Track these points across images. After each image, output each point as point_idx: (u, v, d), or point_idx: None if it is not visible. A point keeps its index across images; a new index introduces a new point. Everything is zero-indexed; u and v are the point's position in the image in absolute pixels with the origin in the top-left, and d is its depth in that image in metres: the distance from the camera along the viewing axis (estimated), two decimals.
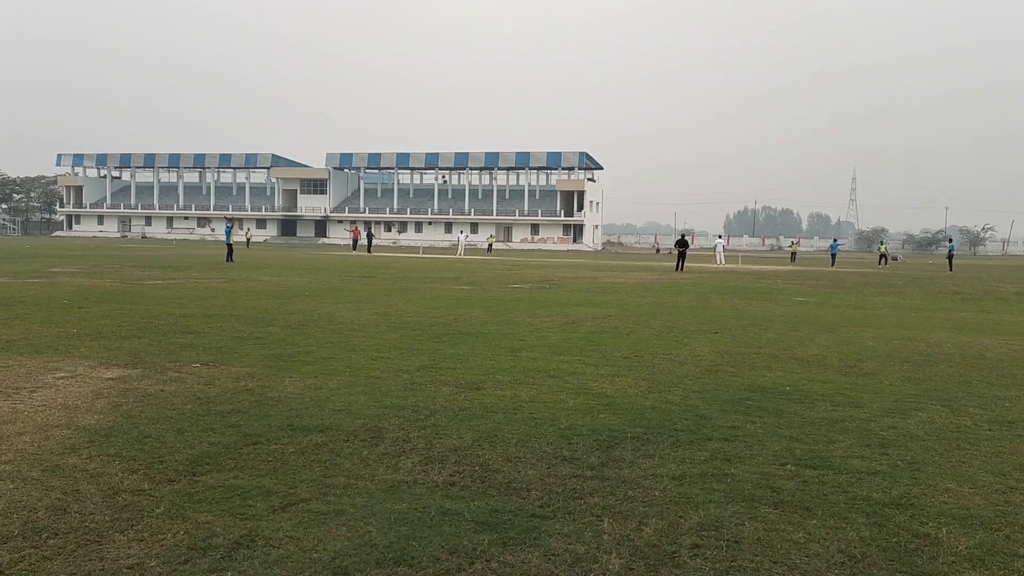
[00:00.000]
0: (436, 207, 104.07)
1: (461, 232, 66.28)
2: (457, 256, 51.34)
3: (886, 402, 6.98)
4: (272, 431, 5.56)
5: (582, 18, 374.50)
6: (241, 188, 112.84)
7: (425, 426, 5.74)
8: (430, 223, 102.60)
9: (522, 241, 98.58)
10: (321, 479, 4.55)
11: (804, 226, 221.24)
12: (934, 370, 8.81)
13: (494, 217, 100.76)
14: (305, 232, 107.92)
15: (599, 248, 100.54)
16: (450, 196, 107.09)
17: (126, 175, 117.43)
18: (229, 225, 36.56)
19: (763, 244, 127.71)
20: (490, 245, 76.98)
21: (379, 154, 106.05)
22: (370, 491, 4.36)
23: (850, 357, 9.65)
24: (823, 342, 11.03)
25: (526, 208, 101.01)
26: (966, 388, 7.76)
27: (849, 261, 61.77)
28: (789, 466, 4.97)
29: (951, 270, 41.26)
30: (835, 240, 57.84)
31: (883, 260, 51.44)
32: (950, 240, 48.08)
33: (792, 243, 66.64)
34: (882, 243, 64.56)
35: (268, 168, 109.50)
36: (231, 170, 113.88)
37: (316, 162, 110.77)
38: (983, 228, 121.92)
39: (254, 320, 12.09)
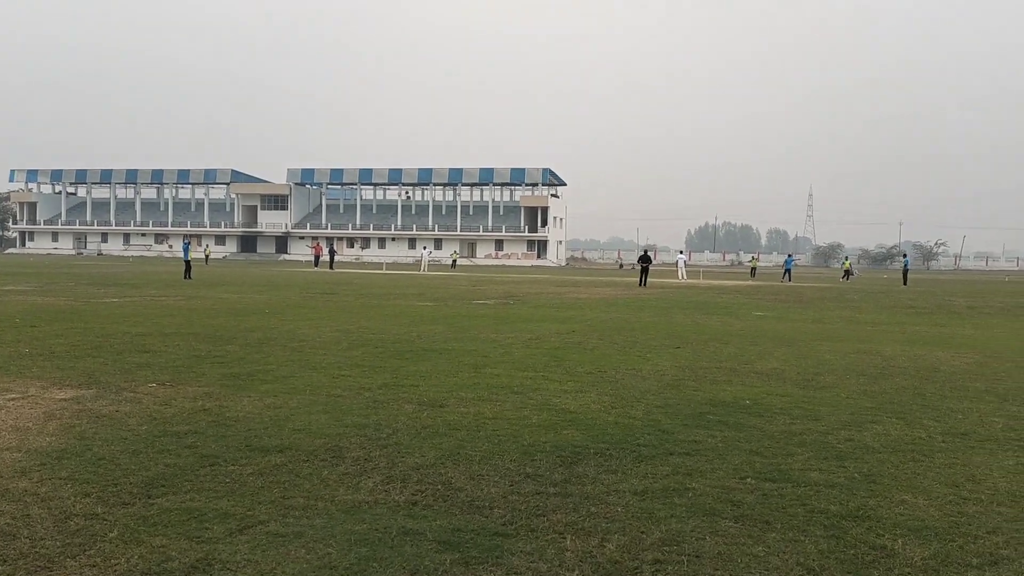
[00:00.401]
0: (400, 223, 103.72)
1: (424, 248, 65.96)
2: (421, 272, 51.06)
3: (843, 415, 7.10)
4: (230, 452, 5.47)
5: (547, 34, 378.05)
6: (200, 204, 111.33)
7: (387, 445, 5.69)
8: (393, 239, 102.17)
9: (486, 257, 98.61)
10: (280, 500, 4.48)
11: (763, 241, 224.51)
12: (889, 383, 8.97)
13: (458, 233, 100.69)
14: (266, 248, 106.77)
15: (563, 264, 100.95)
16: (414, 212, 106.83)
17: (82, 191, 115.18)
18: (187, 242, 36.09)
19: (724, 259, 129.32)
20: (454, 261, 76.88)
21: (341, 169, 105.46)
22: (330, 512, 4.31)
23: (808, 371, 9.79)
24: (782, 356, 11.18)
25: (490, 224, 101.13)
26: (920, 401, 7.91)
27: (808, 276, 62.85)
28: (749, 480, 5.02)
29: (905, 284, 42.09)
30: (790, 256, 58.68)
31: (847, 275, 52.37)
32: (904, 255, 49.13)
33: (752, 258, 67.46)
34: (846, 259, 65.68)
35: (228, 184, 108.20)
36: (189, 186, 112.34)
37: (277, 178, 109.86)
38: (936, 243, 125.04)
39: (212, 338, 11.91)
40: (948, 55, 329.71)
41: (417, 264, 63.21)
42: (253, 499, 4.50)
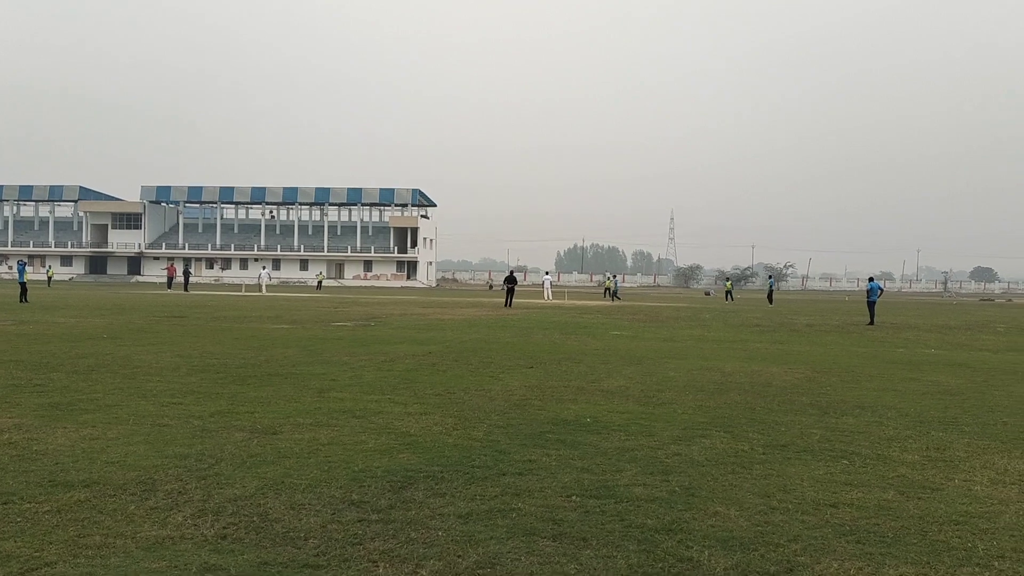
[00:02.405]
0: (263, 243, 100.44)
1: (263, 268, 63.59)
2: (261, 294, 48.21)
3: (676, 430, 7.33)
4: (29, 488, 5.04)
5: (409, 62, 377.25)
6: (44, 222, 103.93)
7: (206, 476, 5.40)
8: (256, 259, 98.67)
9: (355, 278, 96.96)
10: (74, 539, 4.14)
11: (629, 263, 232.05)
12: (724, 398, 9.38)
13: (325, 254, 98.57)
14: (117, 270, 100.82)
15: (433, 285, 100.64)
16: (278, 232, 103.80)
17: None
18: (22, 263, 33.55)
19: (591, 280, 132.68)
20: (320, 283, 75.12)
21: (200, 187, 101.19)
22: (128, 550, 4.02)
23: (651, 388, 10.10)
24: (629, 374, 11.50)
25: (358, 244, 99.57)
26: (749, 414, 8.30)
27: (682, 296, 65.35)
28: (575, 497, 5.07)
29: (771, 303, 44.33)
30: (771, 276, 59.79)
31: (728, 296, 54.61)
32: (770, 276, 51.87)
33: (609, 278, 67.53)
34: (728, 280, 68.34)
35: (75, 201, 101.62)
36: (32, 203, 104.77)
37: (130, 195, 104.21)
38: (785, 265, 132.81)
39: (37, 365, 11.06)
40: (809, 85, 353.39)
41: (256, 286, 59.26)
42: (44, 539, 4.15)
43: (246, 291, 51.21)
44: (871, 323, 26.56)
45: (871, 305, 28.09)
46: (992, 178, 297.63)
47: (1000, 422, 8.28)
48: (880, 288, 28.79)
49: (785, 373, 12.01)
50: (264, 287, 52.70)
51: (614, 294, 51.11)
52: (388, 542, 4.21)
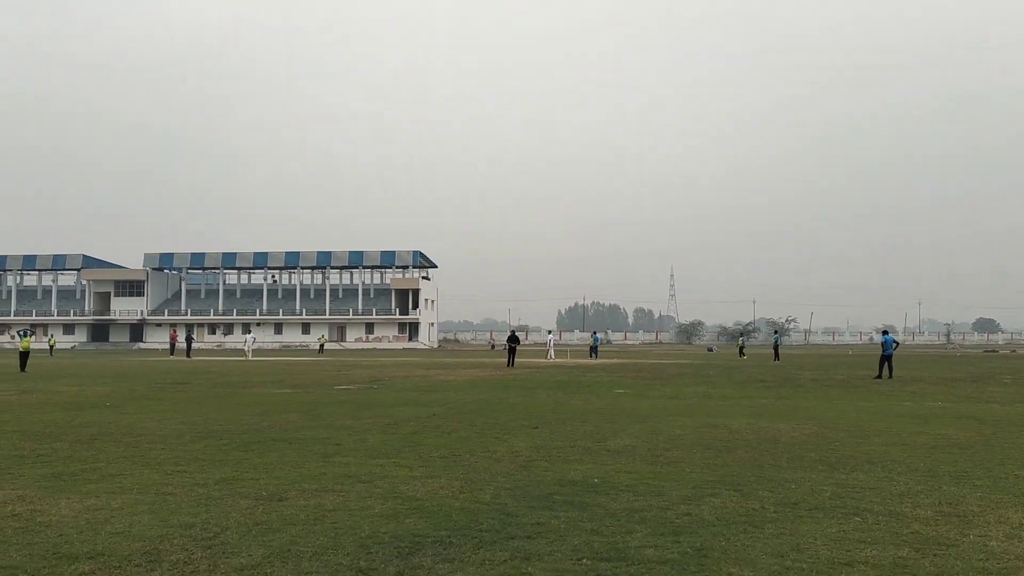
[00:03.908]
0: (265, 308, 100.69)
1: (249, 333, 63.01)
2: (246, 359, 47.15)
3: (685, 489, 7.26)
4: (33, 561, 4.98)
5: (399, 120, 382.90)
6: (47, 291, 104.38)
7: (212, 545, 5.34)
8: (259, 324, 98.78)
9: (357, 340, 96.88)
10: None
11: (631, 320, 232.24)
12: (732, 456, 9.30)
13: (327, 317, 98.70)
14: (119, 337, 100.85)
15: (435, 346, 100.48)
16: (280, 296, 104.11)
17: None
18: (23, 332, 33.64)
19: (604, 339, 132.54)
20: (322, 346, 75.04)
21: (203, 254, 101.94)
22: None
23: (658, 446, 10.02)
24: (635, 432, 11.42)
25: (360, 307, 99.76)
26: (758, 472, 8.22)
27: (687, 353, 65.15)
28: (585, 560, 5.00)
29: (778, 359, 43.70)
30: (594, 332, 58.77)
31: (741, 352, 54.19)
32: (775, 332, 51.40)
33: (592, 334, 65.96)
34: (742, 335, 67.91)
35: (78, 270, 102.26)
36: (36, 272, 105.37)
37: (133, 263, 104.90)
38: (787, 320, 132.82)
39: (39, 435, 11.01)
40: (802, 142, 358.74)
41: (241, 352, 57.84)
42: None
43: (249, 355, 50.64)
44: (879, 376, 26.14)
45: (887, 359, 26.62)
46: (993, 227, 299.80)
47: (1012, 475, 8.19)
48: (895, 342, 27.59)
49: (792, 429, 11.93)
50: (249, 352, 51.72)
51: (592, 349, 50.93)
52: None
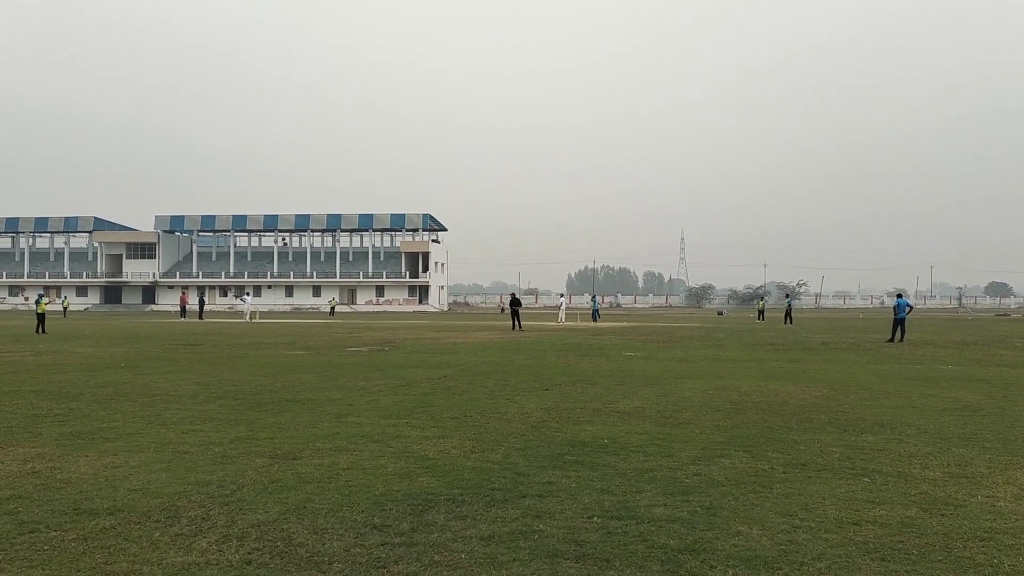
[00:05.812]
0: (276, 270, 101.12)
1: (247, 294, 62.90)
2: (246, 322, 47.47)
3: (694, 450, 7.32)
4: (55, 517, 5.09)
5: (423, 84, 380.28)
6: (60, 254, 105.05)
7: (229, 502, 5.44)
8: (270, 287, 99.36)
9: (367, 303, 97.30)
10: (101, 567, 4.18)
11: (640, 284, 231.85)
12: (742, 418, 9.35)
13: (337, 279, 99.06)
14: (132, 299, 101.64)
15: (445, 309, 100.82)
16: (291, 259, 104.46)
17: None
18: (40, 294, 33.95)
19: (603, 302, 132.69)
20: (332, 308, 75.45)
21: (213, 216, 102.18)
22: None
23: (667, 408, 10.08)
24: (645, 394, 11.48)
25: (370, 270, 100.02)
26: (767, 433, 8.27)
27: (696, 315, 65.16)
28: (596, 518, 5.07)
29: (791, 323, 43.46)
30: (787, 295, 56.40)
31: (761, 316, 53.86)
32: (787, 296, 50.99)
33: (591, 298, 64.92)
34: (762, 299, 67.49)
35: (90, 232, 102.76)
36: (48, 234, 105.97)
37: (144, 225, 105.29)
38: (798, 283, 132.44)
39: (57, 395, 11.16)
40: (814, 98, 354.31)
41: (240, 313, 57.43)
42: (72, 567, 4.19)
43: (251, 319, 50.80)
44: (891, 340, 26.06)
45: (900, 323, 26.34)
46: (1006, 190, 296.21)
47: (1021, 437, 8.22)
48: (909, 305, 27.27)
49: (802, 391, 11.97)
50: (247, 314, 51.79)
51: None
52: (412, 565, 4.23)
